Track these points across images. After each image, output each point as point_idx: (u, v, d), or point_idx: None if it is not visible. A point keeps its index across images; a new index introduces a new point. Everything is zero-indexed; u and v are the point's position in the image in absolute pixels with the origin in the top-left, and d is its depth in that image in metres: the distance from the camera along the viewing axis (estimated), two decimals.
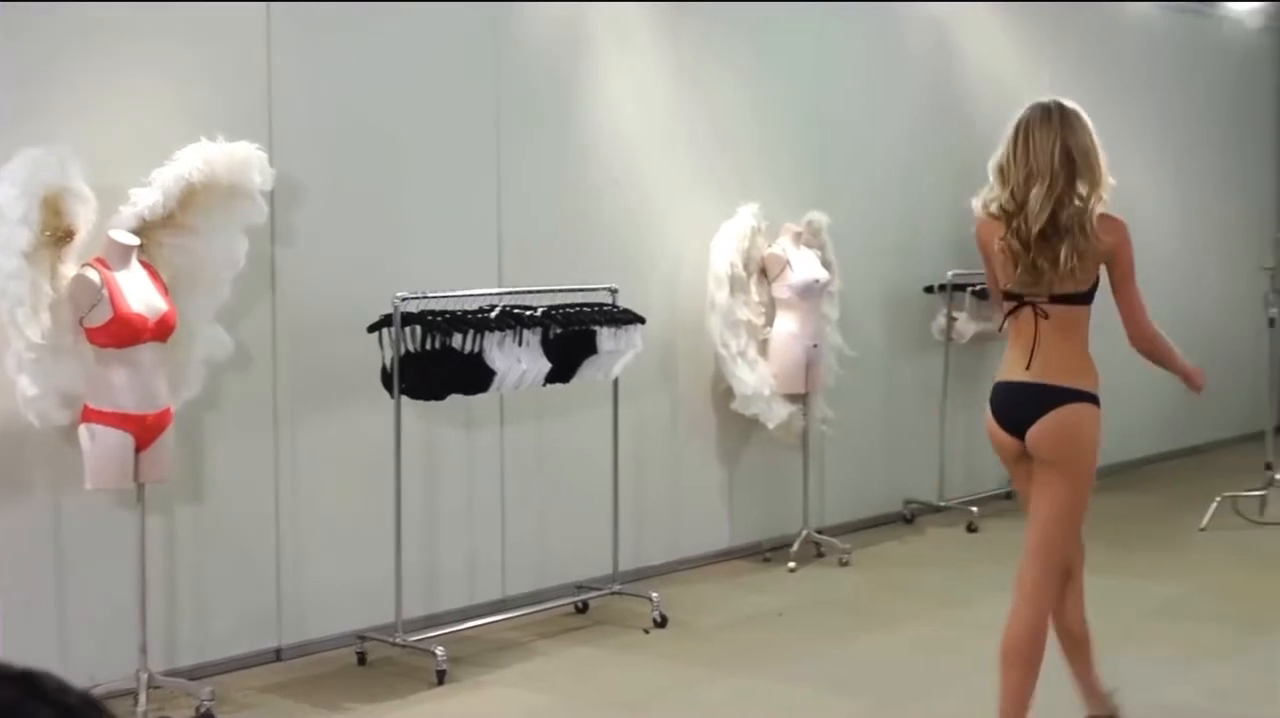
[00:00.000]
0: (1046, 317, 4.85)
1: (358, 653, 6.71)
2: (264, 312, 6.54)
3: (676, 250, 8.25)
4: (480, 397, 6.87)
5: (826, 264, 8.60)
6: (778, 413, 8.36)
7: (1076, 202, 4.79)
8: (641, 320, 7.33)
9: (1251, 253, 10.80)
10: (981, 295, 9.58)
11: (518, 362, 6.77)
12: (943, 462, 9.77)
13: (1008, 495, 10.39)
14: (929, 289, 9.63)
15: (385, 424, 6.61)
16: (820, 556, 8.68)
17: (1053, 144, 4.79)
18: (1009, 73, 10.46)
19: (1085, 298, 4.87)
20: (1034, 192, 4.77)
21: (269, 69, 6.51)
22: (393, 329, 6.49)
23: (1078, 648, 5.28)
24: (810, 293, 8.37)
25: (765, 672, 6.66)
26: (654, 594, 7.37)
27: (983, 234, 4.98)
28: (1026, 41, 10.64)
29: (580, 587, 7.59)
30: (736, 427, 8.54)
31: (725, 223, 8.30)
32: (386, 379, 6.58)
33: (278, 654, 6.71)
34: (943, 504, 9.75)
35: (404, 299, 6.50)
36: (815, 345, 8.42)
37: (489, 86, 7.34)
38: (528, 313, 6.87)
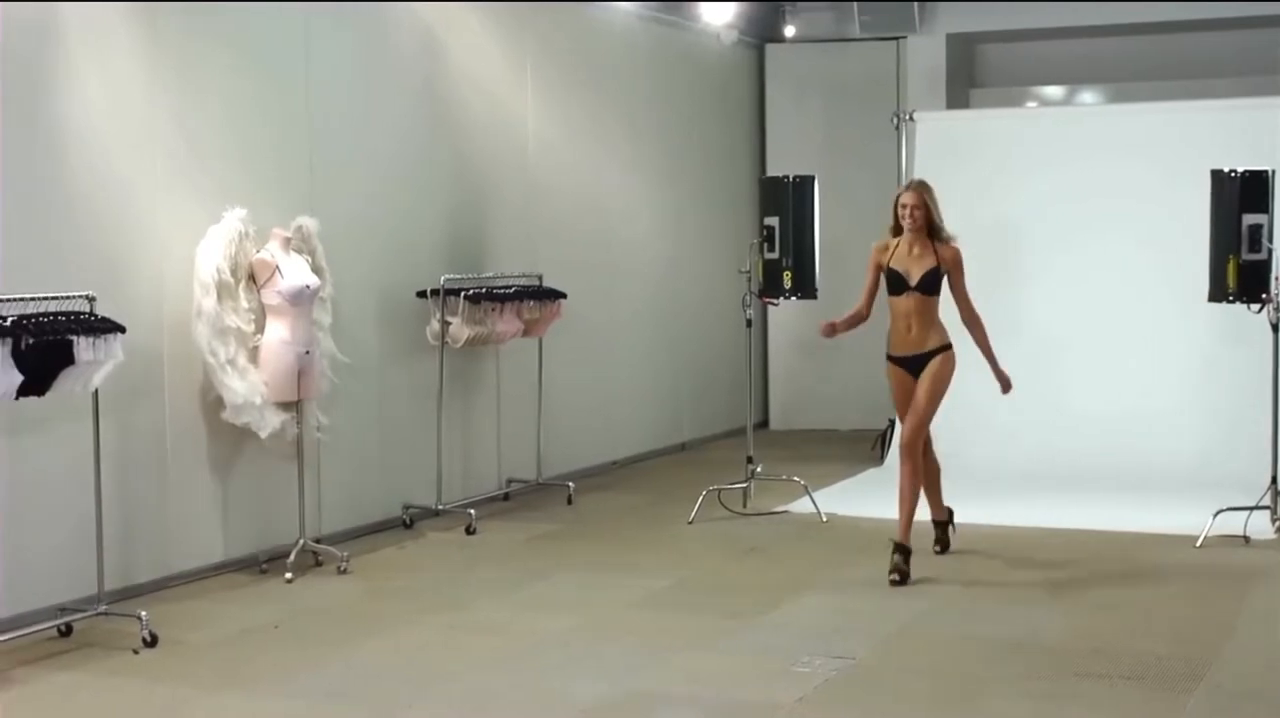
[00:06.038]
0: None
1: None
2: None
3: (161, 256, 7.98)
4: None
5: (317, 270, 8.53)
6: (270, 421, 8.21)
7: None
8: (121, 329, 7.04)
9: (733, 257, 11.29)
10: (475, 300, 9.66)
11: None
12: (440, 466, 9.82)
13: (505, 498, 10.57)
14: (422, 294, 9.65)
15: None
16: (318, 565, 8.58)
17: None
18: (495, 75, 10.62)
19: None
20: None
21: None
22: None
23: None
24: (301, 299, 8.27)
25: (260, 687, 6.52)
26: (143, 613, 7.11)
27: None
28: (511, 45, 10.80)
29: (64, 609, 7.24)
30: (228, 437, 8.33)
31: (212, 227, 8.10)
32: None
33: None
34: (441, 508, 9.79)
35: None
36: (307, 352, 8.31)
37: None
38: None
